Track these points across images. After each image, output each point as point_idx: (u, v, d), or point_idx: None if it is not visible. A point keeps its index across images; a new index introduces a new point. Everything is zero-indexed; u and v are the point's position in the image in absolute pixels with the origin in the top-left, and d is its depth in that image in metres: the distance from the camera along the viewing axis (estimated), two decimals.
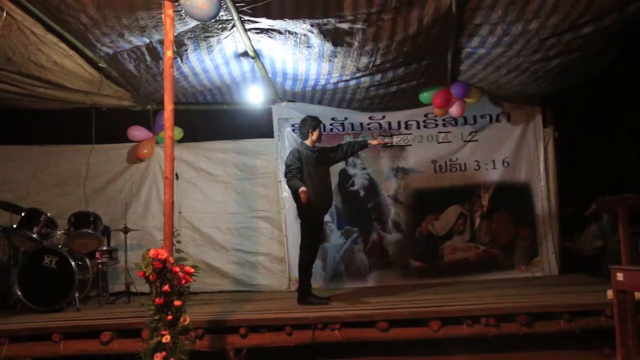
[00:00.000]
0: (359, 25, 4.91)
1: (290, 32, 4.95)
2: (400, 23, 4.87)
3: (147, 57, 5.49)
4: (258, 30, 4.99)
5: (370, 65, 5.71)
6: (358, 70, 5.84)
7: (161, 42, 4.95)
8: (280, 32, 4.95)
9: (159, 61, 5.50)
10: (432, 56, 5.71)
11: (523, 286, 6.06)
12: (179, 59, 5.51)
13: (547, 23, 4.89)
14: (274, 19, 4.75)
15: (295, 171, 5.39)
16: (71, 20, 4.72)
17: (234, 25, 4.92)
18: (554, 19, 4.82)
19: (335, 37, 5.10)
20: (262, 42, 5.28)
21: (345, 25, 4.90)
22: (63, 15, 4.65)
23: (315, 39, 5.12)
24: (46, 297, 5.68)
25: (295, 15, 4.71)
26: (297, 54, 5.47)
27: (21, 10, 4.61)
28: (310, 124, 5.63)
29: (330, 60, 5.61)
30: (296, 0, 4.53)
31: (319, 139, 5.66)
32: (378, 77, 6.04)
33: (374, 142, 6.02)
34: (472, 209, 7.22)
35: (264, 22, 4.81)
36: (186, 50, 5.37)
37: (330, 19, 4.76)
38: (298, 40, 5.14)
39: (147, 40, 5.12)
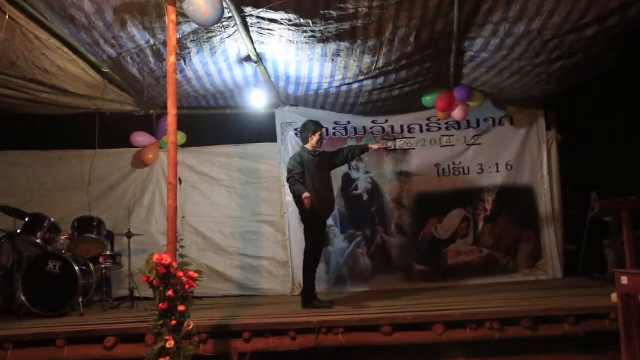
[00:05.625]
0: (360, 22, 4.89)
1: (293, 24, 4.88)
2: (403, 17, 4.84)
3: (151, 59, 5.49)
4: (261, 27, 4.93)
5: (373, 67, 5.70)
6: (361, 72, 5.83)
7: (165, 43, 4.95)
8: (282, 24, 4.88)
9: (162, 63, 5.50)
10: (434, 59, 5.71)
11: (527, 289, 6.03)
12: (182, 62, 5.52)
13: (549, 24, 4.89)
14: (276, 11, 4.68)
15: (298, 176, 5.39)
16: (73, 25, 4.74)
17: (237, 31, 4.93)
18: (556, 17, 4.81)
19: (338, 30, 5.03)
20: (265, 43, 5.25)
21: (347, 23, 4.88)
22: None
23: (318, 33, 5.04)
24: (50, 302, 5.69)
25: (297, 7, 4.65)
26: (299, 53, 5.45)
27: (24, 15, 4.63)
28: (311, 128, 5.63)
29: (333, 60, 5.58)
30: None
31: (319, 143, 5.66)
32: (381, 80, 6.04)
33: (375, 146, 5.99)
34: (476, 213, 7.20)
35: (267, 15, 4.74)
36: (189, 53, 5.38)
37: (332, 12, 4.71)
38: (301, 34, 5.06)
39: (152, 42, 5.12)
